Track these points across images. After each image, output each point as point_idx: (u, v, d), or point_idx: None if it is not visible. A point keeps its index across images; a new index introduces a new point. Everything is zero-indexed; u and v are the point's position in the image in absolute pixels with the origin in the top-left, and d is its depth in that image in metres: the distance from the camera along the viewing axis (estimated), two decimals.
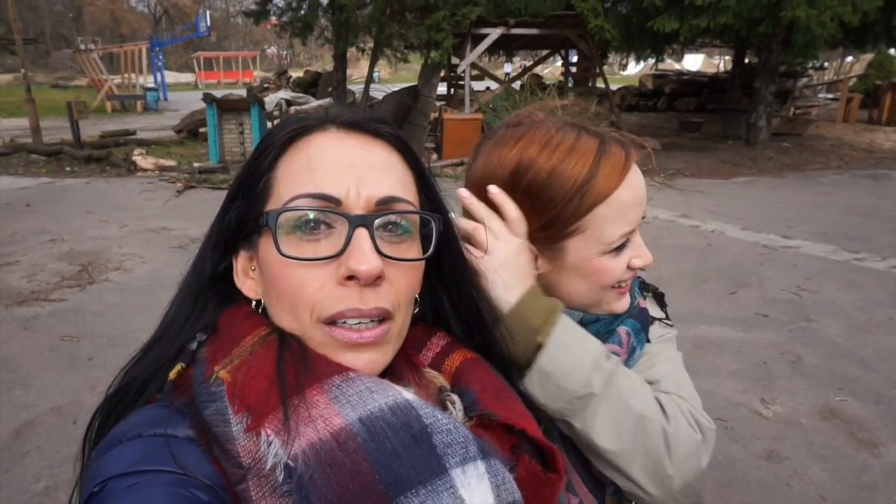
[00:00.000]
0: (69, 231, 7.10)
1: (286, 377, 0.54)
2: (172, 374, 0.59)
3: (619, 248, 0.85)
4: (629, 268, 0.87)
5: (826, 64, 27.83)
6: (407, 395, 0.55)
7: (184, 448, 0.53)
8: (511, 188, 0.84)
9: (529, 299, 0.81)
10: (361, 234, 0.57)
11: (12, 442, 3.13)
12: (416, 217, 0.63)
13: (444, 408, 0.62)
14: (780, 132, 14.86)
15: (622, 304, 0.90)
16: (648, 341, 0.94)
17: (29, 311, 4.81)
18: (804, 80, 20.39)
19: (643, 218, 0.87)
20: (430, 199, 0.67)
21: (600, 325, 0.91)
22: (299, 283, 0.57)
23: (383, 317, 0.59)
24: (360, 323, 0.57)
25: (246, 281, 0.65)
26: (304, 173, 0.59)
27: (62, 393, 3.60)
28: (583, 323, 0.89)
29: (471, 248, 0.82)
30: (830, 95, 21.92)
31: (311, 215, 0.58)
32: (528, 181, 0.83)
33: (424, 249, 0.64)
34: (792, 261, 6.13)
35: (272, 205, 0.60)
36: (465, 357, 0.69)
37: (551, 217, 0.83)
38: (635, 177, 0.85)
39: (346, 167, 0.59)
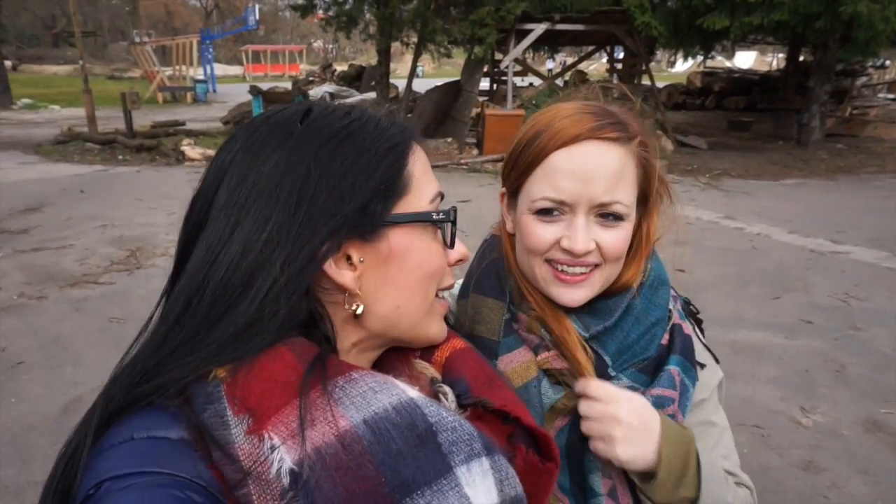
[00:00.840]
0: (120, 217, 7.37)
1: (308, 382, 0.53)
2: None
3: (547, 215, 0.83)
4: (562, 248, 0.82)
5: (888, 62, 26.64)
6: (411, 393, 0.55)
7: (175, 449, 0.52)
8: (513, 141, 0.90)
9: (666, 444, 0.77)
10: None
11: (62, 416, 3.29)
12: None
13: (437, 398, 0.63)
14: (835, 133, 14.32)
15: (563, 293, 0.84)
16: (696, 378, 0.90)
17: (80, 293, 5.03)
18: (863, 79, 19.56)
19: (607, 205, 0.81)
20: None
21: (646, 364, 0.86)
22: (441, 270, 0.68)
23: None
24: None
25: (345, 272, 0.61)
26: (429, 173, 0.68)
27: (108, 372, 3.73)
28: (604, 344, 0.86)
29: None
30: (891, 96, 20.98)
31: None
32: (517, 135, 0.89)
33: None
34: (841, 267, 5.92)
35: (414, 199, 0.65)
36: (456, 346, 0.71)
37: (511, 167, 0.88)
38: (586, 151, 0.80)
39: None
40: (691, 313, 0.98)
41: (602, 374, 0.84)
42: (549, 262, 0.84)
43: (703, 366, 0.93)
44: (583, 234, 0.80)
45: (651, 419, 0.78)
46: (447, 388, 0.65)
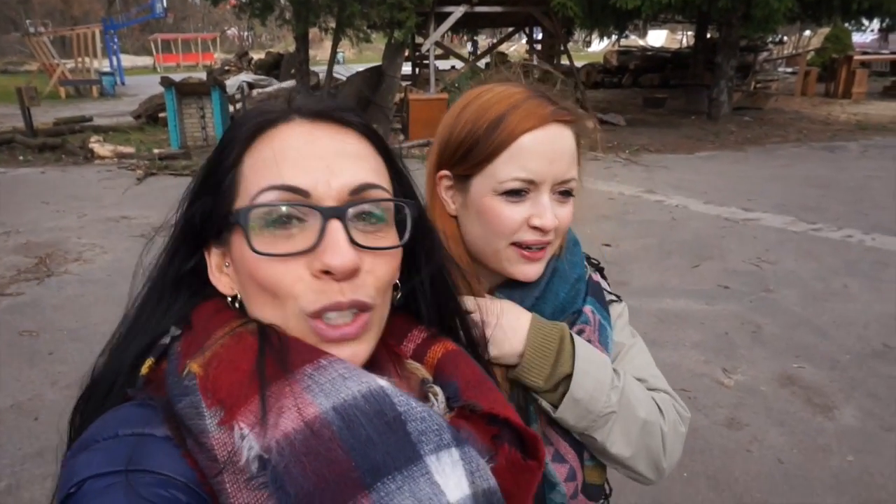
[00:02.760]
0: (25, 222, 6.88)
1: (263, 369, 0.53)
2: (144, 370, 0.58)
3: (515, 196, 0.87)
4: (531, 227, 0.87)
5: (785, 38, 28.29)
6: (381, 381, 0.55)
7: (161, 447, 0.52)
8: (449, 123, 0.92)
9: (535, 334, 0.87)
10: (335, 226, 0.56)
11: None
12: (391, 204, 0.62)
13: (427, 399, 0.62)
14: (742, 106, 15.12)
15: (525, 269, 0.90)
16: (608, 315, 1.00)
17: None
18: (764, 54, 20.72)
19: (564, 185, 0.87)
20: (401, 185, 0.67)
21: (574, 315, 0.95)
22: (277, 278, 0.57)
23: (362, 309, 0.58)
24: (339, 316, 0.57)
25: (221, 277, 0.63)
26: (270, 167, 0.58)
27: (22, 389, 3.52)
28: (540, 309, 0.92)
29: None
30: (789, 69, 22.36)
31: (283, 210, 0.56)
32: (456, 119, 0.91)
33: (400, 236, 0.63)
34: (752, 233, 6.28)
35: (240, 201, 0.59)
36: (447, 349, 0.69)
37: (465, 151, 0.89)
38: (550, 134, 0.86)
39: (315, 158, 0.58)
40: (592, 264, 1.07)
41: None
42: (515, 244, 0.88)
43: (617, 298, 1.04)
44: (550, 212, 0.86)
45: (517, 319, 0.88)
46: (437, 389, 0.64)
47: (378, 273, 0.60)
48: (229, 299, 0.63)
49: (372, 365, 0.62)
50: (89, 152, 10.53)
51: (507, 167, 0.86)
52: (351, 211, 0.58)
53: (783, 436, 3.08)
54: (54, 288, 5.03)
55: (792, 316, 4.40)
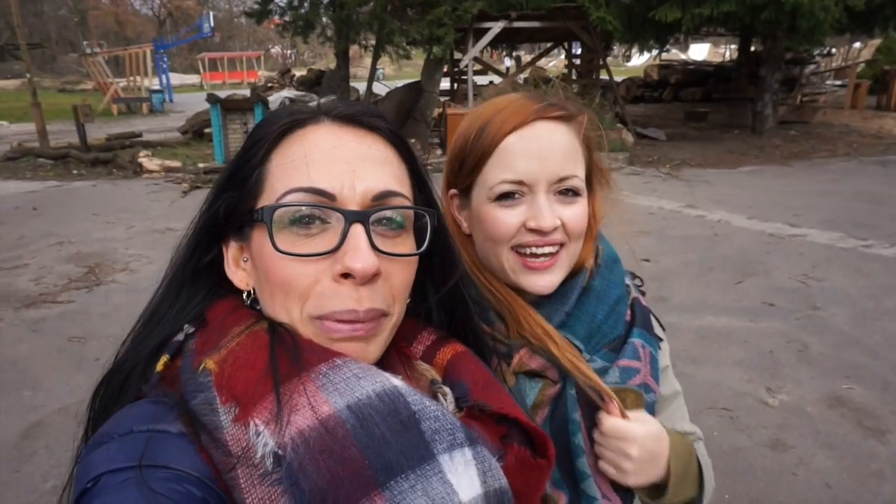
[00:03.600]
0: (76, 233, 7.15)
1: (276, 366, 0.54)
2: (159, 367, 0.59)
3: (508, 200, 0.83)
4: (528, 229, 0.82)
5: (833, 50, 27.54)
6: (395, 381, 0.55)
7: (175, 443, 0.53)
8: (451, 142, 0.90)
9: (675, 462, 0.85)
10: (357, 230, 0.57)
11: (21, 442, 3.17)
12: (411, 212, 0.63)
13: (436, 399, 0.62)
14: (787, 120, 14.74)
15: (533, 281, 0.84)
16: (659, 347, 0.94)
17: (37, 314, 4.86)
18: (811, 67, 20.20)
19: (563, 184, 0.83)
20: (423, 193, 0.68)
21: (616, 342, 0.90)
22: (293, 278, 0.57)
23: (375, 318, 0.59)
24: (355, 325, 0.58)
25: (237, 271, 0.64)
26: (298, 167, 0.59)
27: (70, 393, 3.64)
28: (573, 330, 0.88)
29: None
30: (838, 82, 21.71)
31: (306, 211, 0.57)
32: (457, 134, 0.89)
33: (418, 243, 0.64)
34: (798, 249, 6.09)
35: (266, 199, 0.59)
36: (457, 350, 0.70)
37: (459, 164, 0.88)
38: (537, 131, 0.83)
39: (341, 161, 0.59)
40: (635, 285, 1.00)
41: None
42: (515, 249, 0.84)
43: (663, 330, 0.98)
44: (547, 210, 0.81)
45: (660, 448, 0.83)
46: (447, 389, 0.65)
47: (395, 280, 0.61)
48: (245, 295, 0.64)
49: (382, 365, 0.63)
50: (138, 166, 10.93)
51: (495, 171, 0.84)
52: (374, 216, 0.59)
53: (831, 459, 2.95)
54: (102, 296, 5.21)
55: (841, 335, 4.24)
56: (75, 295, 5.26)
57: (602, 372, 0.86)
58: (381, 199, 0.59)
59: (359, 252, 0.56)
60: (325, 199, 0.58)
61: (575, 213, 0.83)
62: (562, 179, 0.82)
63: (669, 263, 5.68)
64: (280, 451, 0.50)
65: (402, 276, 0.61)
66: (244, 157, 0.63)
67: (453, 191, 0.91)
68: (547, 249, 0.83)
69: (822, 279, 5.26)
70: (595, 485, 0.85)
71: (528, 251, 0.83)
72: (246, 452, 0.50)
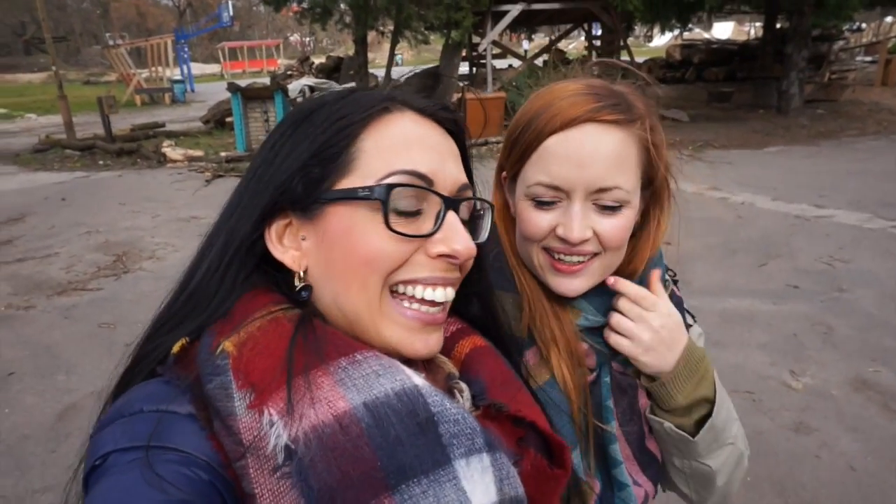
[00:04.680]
0: (104, 223, 7.30)
1: (294, 357, 0.53)
2: (176, 348, 0.58)
3: (542, 204, 0.80)
4: (557, 237, 0.80)
5: (863, 25, 26.75)
6: (416, 380, 0.54)
7: (184, 425, 0.52)
8: (511, 121, 0.87)
9: (688, 353, 0.84)
10: (452, 216, 0.60)
11: (56, 424, 3.28)
12: (471, 203, 0.67)
13: (452, 395, 0.62)
14: (815, 99, 14.40)
15: (560, 283, 0.83)
16: (690, 327, 0.96)
17: (68, 301, 4.99)
18: (840, 43, 19.65)
19: (606, 191, 0.78)
20: (470, 185, 0.70)
21: None
22: (389, 255, 0.58)
23: (453, 284, 0.63)
24: (444, 288, 0.61)
25: (287, 251, 0.62)
26: (399, 150, 0.59)
27: (101, 377, 3.72)
28: None
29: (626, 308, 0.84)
30: (868, 58, 21.09)
31: (411, 195, 0.59)
32: (515, 117, 0.86)
33: (475, 234, 0.67)
34: (825, 230, 5.98)
35: (360, 178, 0.59)
36: (476, 344, 0.69)
37: (508, 152, 0.86)
38: (582, 135, 0.78)
39: (434, 150, 0.61)
40: (669, 276, 0.99)
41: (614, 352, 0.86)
42: (546, 249, 0.82)
43: (694, 320, 0.99)
44: (578, 222, 0.78)
45: (679, 337, 0.83)
46: (463, 385, 0.64)
47: (465, 266, 0.64)
48: (297, 276, 0.62)
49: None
50: (162, 156, 11.09)
51: (533, 170, 0.81)
52: (461, 205, 0.63)
53: (856, 442, 2.92)
54: (130, 284, 5.33)
55: (867, 317, 4.17)
56: (104, 282, 5.39)
57: (628, 362, 0.86)
58: (464, 190, 0.63)
59: (459, 235, 0.60)
60: (426, 184, 0.59)
61: (612, 225, 0.79)
62: (601, 190, 0.77)
63: (692, 246, 5.63)
64: (292, 445, 0.49)
65: (469, 263, 0.65)
66: (332, 135, 0.61)
67: (504, 174, 0.89)
68: (575, 258, 0.81)
69: (849, 261, 5.16)
70: (626, 471, 0.85)
71: (556, 255, 0.82)
72: (257, 442, 0.50)
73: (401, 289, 0.60)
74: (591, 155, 0.77)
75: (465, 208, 0.64)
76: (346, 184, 0.59)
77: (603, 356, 0.86)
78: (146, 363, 0.61)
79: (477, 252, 0.68)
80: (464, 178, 0.64)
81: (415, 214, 0.59)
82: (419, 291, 0.60)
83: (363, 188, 0.58)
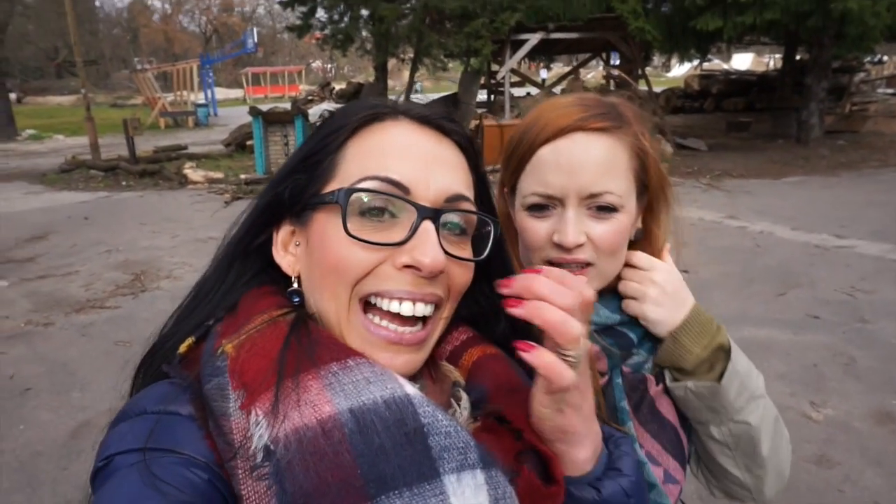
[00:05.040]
0: (124, 242, 7.42)
1: (286, 358, 0.53)
2: (182, 348, 0.59)
3: (538, 211, 0.82)
4: (556, 244, 0.81)
5: (885, 58, 26.66)
6: (408, 389, 0.53)
7: (184, 426, 0.52)
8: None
9: (699, 309, 0.85)
10: (428, 226, 0.57)
11: (70, 441, 3.29)
12: (474, 219, 0.63)
13: (450, 405, 0.61)
14: (835, 130, 14.30)
15: None
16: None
17: (86, 318, 5.05)
18: (861, 75, 19.58)
19: (597, 196, 0.80)
20: (483, 203, 0.67)
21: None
22: (354, 262, 0.57)
23: (437, 302, 0.59)
24: (412, 303, 0.57)
25: (286, 256, 0.64)
26: (375, 157, 0.59)
27: (116, 395, 3.75)
28: (647, 338, 0.90)
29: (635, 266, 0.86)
30: (890, 90, 20.98)
31: (380, 201, 0.57)
32: (511, 133, 0.89)
33: (476, 250, 0.64)
34: (846, 261, 5.89)
35: (337, 183, 0.59)
36: (485, 352, 0.67)
37: (504, 165, 0.87)
38: (572, 143, 0.80)
39: (418, 159, 0.59)
40: None
41: (626, 348, 0.87)
42: (548, 262, 0.84)
43: None
44: (573, 227, 0.79)
45: (684, 294, 0.86)
46: (463, 395, 0.62)
47: (455, 280, 0.61)
48: (294, 279, 0.64)
49: None
50: (183, 178, 11.29)
51: (528, 181, 0.83)
52: (444, 217, 0.59)
53: (881, 477, 2.83)
54: (147, 302, 5.38)
55: (891, 349, 4.07)
56: (122, 301, 5.45)
57: (640, 365, 0.88)
58: (453, 201, 0.60)
59: (429, 247, 0.56)
60: (399, 191, 0.57)
61: (605, 230, 0.81)
62: (593, 195, 0.79)
63: (709, 275, 5.56)
64: (271, 446, 0.48)
65: (460, 279, 0.61)
66: (320, 142, 0.63)
67: (505, 189, 0.92)
68: (573, 266, 0.82)
69: (871, 291, 5.07)
70: (651, 471, 0.84)
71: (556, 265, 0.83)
72: (245, 442, 0.49)
73: (373, 300, 0.58)
74: (580, 162, 0.79)
75: (466, 222, 0.62)
76: (326, 190, 0.60)
77: (614, 358, 0.86)
78: (160, 355, 0.64)
79: (496, 267, 0.67)
80: (456, 189, 0.60)
81: (383, 221, 0.57)
82: (386, 304, 0.58)
83: (330, 192, 0.59)
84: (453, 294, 0.61)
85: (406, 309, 0.57)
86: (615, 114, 0.82)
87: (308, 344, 0.55)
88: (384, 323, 0.58)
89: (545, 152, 0.81)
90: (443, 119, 0.64)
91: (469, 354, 0.67)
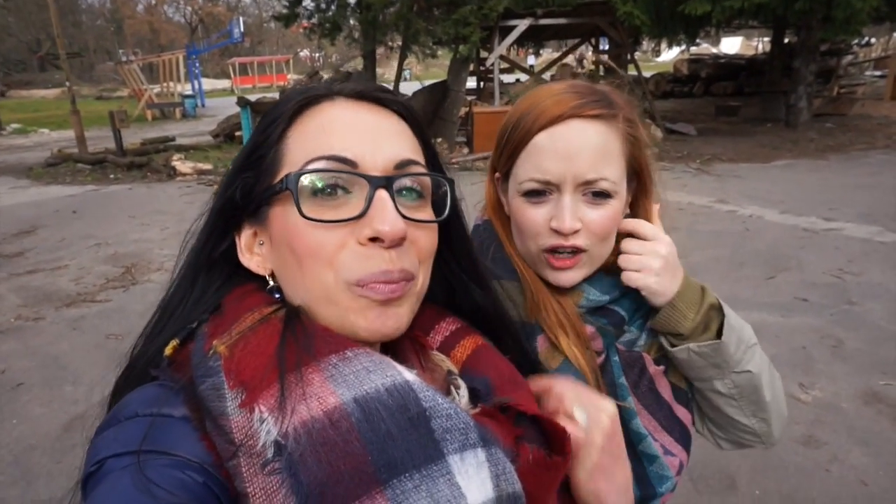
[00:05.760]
0: (113, 235, 7.36)
1: (285, 354, 0.53)
2: (168, 350, 0.59)
3: (535, 197, 0.84)
4: (553, 230, 0.83)
5: (872, 40, 26.75)
6: (407, 375, 0.54)
7: (178, 428, 0.52)
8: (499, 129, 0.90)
9: (687, 275, 0.91)
10: (382, 195, 0.57)
11: (63, 435, 3.29)
12: (428, 182, 0.63)
13: (449, 392, 0.62)
14: (823, 113, 14.36)
15: (556, 276, 0.87)
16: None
17: (77, 312, 5.03)
18: (849, 57, 19.64)
19: (592, 182, 0.82)
20: (434, 167, 0.68)
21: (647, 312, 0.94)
22: (319, 244, 0.57)
23: (408, 279, 0.59)
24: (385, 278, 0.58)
25: (252, 258, 0.64)
26: (317, 138, 0.59)
27: (108, 388, 3.75)
28: (637, 315, 0.94)
29: (632, 241, 0.89)
30: (878, 73, 21.06)
31: (329, 179, 0.57)
32: (504, 120, 0.89)
33: (437, 213, 0.65)
34: (834, 243, 5.94)
35: (285, 173, 0.59)
36: (478, 343, 0.69)
37: (499, 152, 0.88)
38: (568, 130, 0.81)
39: (360, 132, 0.60)
40: None
41: (618, 325, 0.90)
42: (544, 249, 0.86)
43: None
44: (569, 213, 0.82)
45: (678, 264, 0.90)
46: (460, 382, 0.64)
47: (421, 244, 0.61)
48: (269, 278, 0.63)
49: (395, 354, 0.63)
50: (172, 170, 11.19)
51: (524, 167, 0.84)
52: (397, 183, 0.59)
53: (867, 456, 2.88)
54: (138, 295, 5.36)
55: (878, 330, 4.13)
56: (113, 294, 5.43)
57: (633, 342, 0.92)
58: (403, 167, 0.60)
59: (386, 214, 0.56)
60: (346, 167, 0.57)
61: (600, 215, 0.83)
62: (589, 182, 0.82)
63: (699, 259, 5.60)
64: (282, 440, 0.49)
65: (426, 241, 0.62)
66: (260, 137, 0.63)
67: (497, 174, 0.93)
68: (568, 251, 0.85)
69: (859, 274, 5.12)
70: (653, 444, 0.87)
71: (552, 252, 0.86)
72: (248, 440, 0.50)
73: (358, 291, 0.58)
74: (577, 148, 0.81)
75: (420, 186, 0.62)
76: (275, 182, 0.60)
77: (609, 336, 0.89)
78: (138, 369, 0.63)
79: (456, 230, 0.70)
80: (405, 155, 0.61)
81: (336, 199, 0.58)
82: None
83: (277, 182, 0.59)
84: (423, 259, 0.62)
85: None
86: (607, 101, 0.84)
87: (305, 338, 0.55)
88: (378, 286, 0.58)
89: (542, 138, 0.82)
90: (378, 91, 0.64)
91: (462, 346, 0.69)
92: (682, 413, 0.92)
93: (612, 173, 0.82)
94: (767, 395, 0.91)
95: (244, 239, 0.64)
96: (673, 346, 0.89)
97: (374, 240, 0.57)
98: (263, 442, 0.49)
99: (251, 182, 0.62)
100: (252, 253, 0.64)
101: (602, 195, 0.83)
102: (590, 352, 0.87)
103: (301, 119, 0.62)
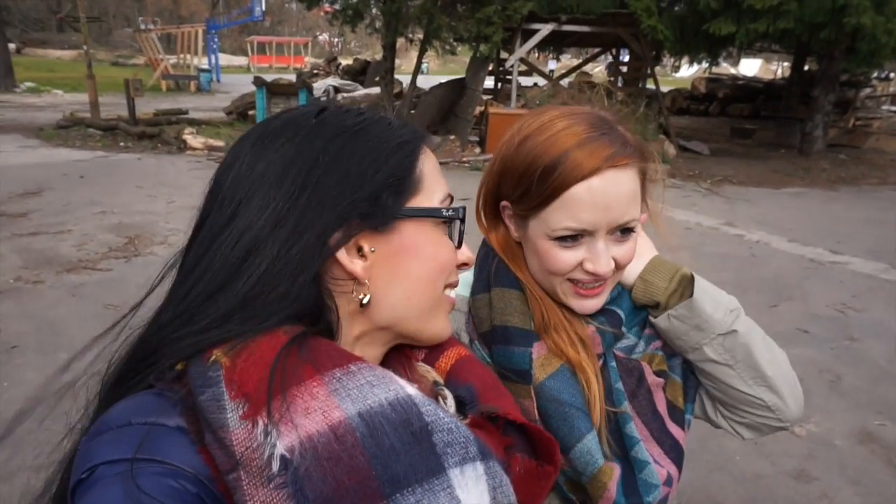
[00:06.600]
0: (119, 204, 7.35)
1: (284, 367, 0.53)
2: (180, 366, 0.56)
3: (568, 241, 0.86)
4: (585, 270, 0.87)
5: (892, 75, 26.67)
6: (410, 390, 0.55)
7: (173, 437, 0.52)
8: (509, 155, 0.90)
9: (660, 257, 0.98)
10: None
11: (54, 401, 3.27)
12: None
13: (436, 402, 0.62)
14: (837, 143, 14.33)
15: (581, 304, 0.90)
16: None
17: (77, 279, 5.02)
18: (867, 90, 19.59)
19: (623, 224, 0.86)
20: None
21: (644, 320, 0.99)
22: (450, 264, 0.69)
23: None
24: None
25: (355, 261, 0.62)
26: (438, 176, 0.69)
27: (102, 358, 3.74)
28: (633, 316, 0.99)
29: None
30: (895, 108, 21.00)
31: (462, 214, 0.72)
32: (515, 153, 0.89)
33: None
34: (839, 277, 5.92)
35: (426, 197, 0.66)
36: (461, 354, 0.72)
37: (521, 193, 0.88)
38: (604, 181, 0.83)
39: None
40: None
41: (616, 325, 0.94)
42: (570, 280, 0.89)
43: None
44: (605, 258, 0.86)
45: (646, 246, 0.97)
46: (447, 392, 0.65)
47: None
48: (359, 296, 0.63)
49: (384, 367, 0.62)
50: (183, 143, 11.17)
51: (558, 216, 0.85)
52: None
53: (858, 496, 2.87)
54: (140, 267, 5.35)
55: (876, 368, 4.11)
56: (114, 264, 5.42)
57: (631, 349, 0.96)
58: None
59: (466, 246, 0.73)
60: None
61: (627, 249, 0.89)
62: (621, 225, 0.86)
63: None
64: (287, 455, 0.49)
65: None
66: (404, 158, 0.66)
67: (507, 204, 0.93)
68: (594, 285, 0.90)
69: (862, 310, 5.10)
70: (645, 450, 0.89)
71: (579, 284, 0.89)
72: (250, 453, 0.49)
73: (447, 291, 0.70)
74: (614, 197, 0.84)
75: None
76: (416, 202, 0.66)
77: (608, 338, 0.92)
78: (157, 358, 0.58)
79: None
80: None
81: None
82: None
83: (448, 209, 0.68)
84: None
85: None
86: (627, 145, 0.86)
87: (308, 351, 0.55)
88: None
89: (578, 191, 0.83)
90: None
91: (446, 356, 0.71)
92: (674, 429, 0.94)
93: (637, 210, 0.87)
94: (764, 357, 0.93)
95: (352, 242, 0.63)
96: (653, 317, 0.95)
97: (462, 266, 0.73)
98: (268, 455, 0.49)
99: (391, 195, 0.64)
100: (355, 256, 0.63)
101: (628, 231, 0.88)
102: (590, 357, 0.90)
103: (424, 151, 0.69)
